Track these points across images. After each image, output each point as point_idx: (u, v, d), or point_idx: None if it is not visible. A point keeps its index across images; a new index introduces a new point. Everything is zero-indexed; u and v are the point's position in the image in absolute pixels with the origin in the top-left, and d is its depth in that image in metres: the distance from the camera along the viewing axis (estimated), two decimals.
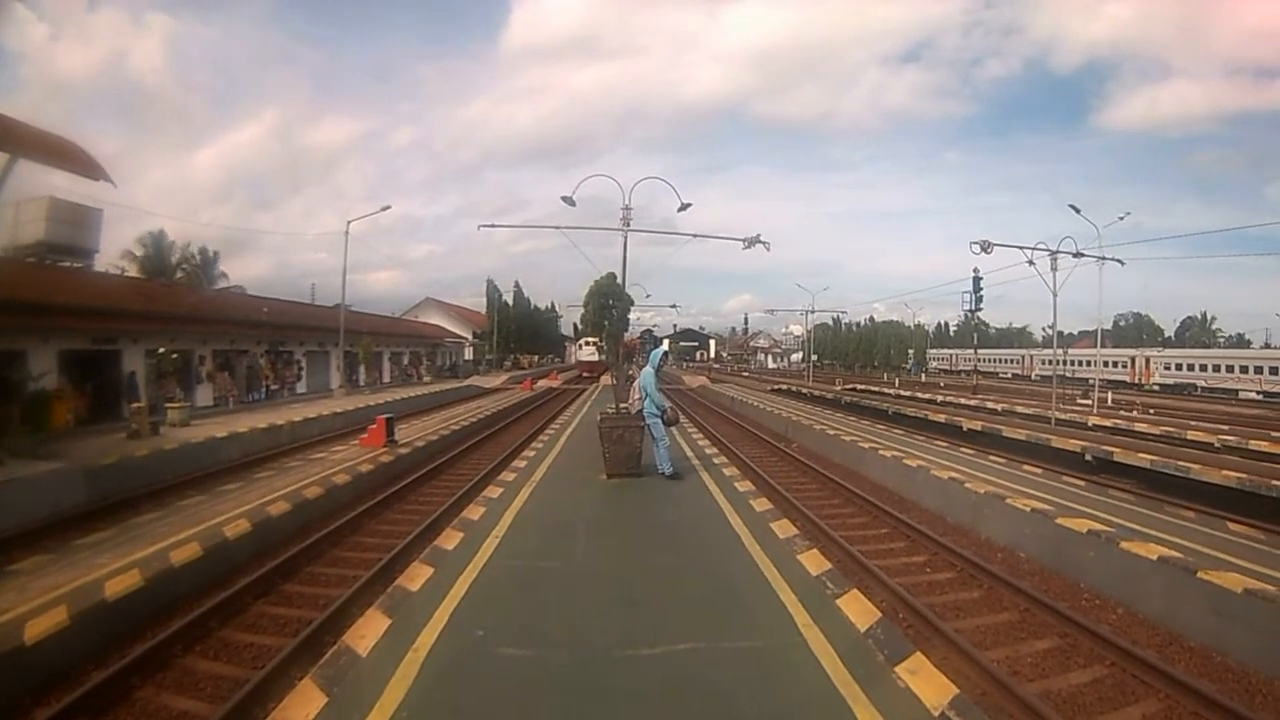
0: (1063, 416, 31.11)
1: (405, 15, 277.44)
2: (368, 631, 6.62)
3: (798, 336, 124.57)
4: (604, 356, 58.66)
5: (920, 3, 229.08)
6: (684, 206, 22.42)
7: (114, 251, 46.06)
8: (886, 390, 55.97)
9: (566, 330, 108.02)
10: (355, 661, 6.02)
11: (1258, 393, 53.00)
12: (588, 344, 71.26)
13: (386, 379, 53.40)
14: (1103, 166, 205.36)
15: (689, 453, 18.12)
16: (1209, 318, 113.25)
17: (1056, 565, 11.33)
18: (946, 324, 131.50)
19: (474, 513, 11.50)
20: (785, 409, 34.67)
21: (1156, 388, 61.35)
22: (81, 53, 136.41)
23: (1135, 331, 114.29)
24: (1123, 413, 36.13)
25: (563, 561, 9.05)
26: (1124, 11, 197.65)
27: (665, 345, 23.43)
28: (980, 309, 47.67)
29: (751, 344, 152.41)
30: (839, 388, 56.70)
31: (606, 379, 59.47)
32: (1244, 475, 16.28)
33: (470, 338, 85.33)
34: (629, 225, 20.01)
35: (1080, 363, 67.75)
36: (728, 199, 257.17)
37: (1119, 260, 32.29)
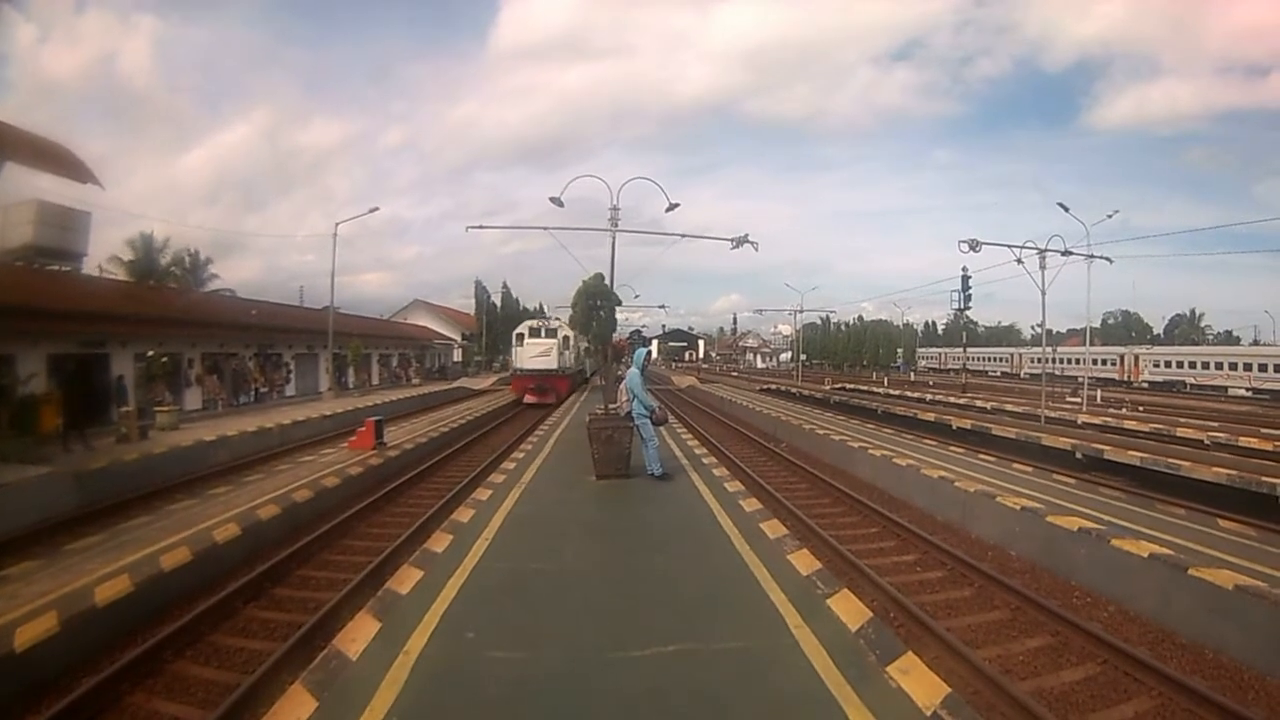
0: (1052, 414, 31.19)
1: (394, 16, 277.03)
2: (358, 635, 6.60)
3: (786, 336, 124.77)
4: (569, 357, 44.41)
5: (911, 1, 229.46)
6: (672, 207, 22.46)
7: (102, 254, 45.78)
8: (875, 389, 55.98)
9: None
10: (345, 665, 6.00)
11: (1246, 390, 53.23)
12: (538, 336, 43.21)
13: (375, 381, 53.35)
14: (1092, 165, 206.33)
15: (678, 453, 18.11)
16: (1198, 315, 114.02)
17: (1047, 563, 11.36)
18: (934, 323, 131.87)
19: (463, 515, 11.48)
20: (774, 409, 34.71)
21: (1146, 385, 61.56)
22: (69, 54, 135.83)
23: (1124, 329, 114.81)
24: (1112, 410, 36.24)
25: (553, 563, 9.04)
26: (1115, 10, 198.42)
27: (654, 346, 23.48)
28: (969, 308, 47.77)
29: (740, 344, 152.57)
30: (828, 387, 56.66)
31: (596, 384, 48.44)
32: (1234, 472, 16.35)
33: (459, 339, 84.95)
34: (617, 226, 20.02)
35: (1069, 361, 67.93)
36: (717, 199, 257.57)
37: (1107, 258, 32.38)
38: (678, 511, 12.03)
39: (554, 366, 42.03)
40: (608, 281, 20.68)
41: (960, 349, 75.43)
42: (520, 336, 43.91)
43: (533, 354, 42.28)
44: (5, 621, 7.61)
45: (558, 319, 44.98)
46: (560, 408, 35.06)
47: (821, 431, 24.41)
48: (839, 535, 12.96)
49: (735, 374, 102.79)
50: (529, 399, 40.67)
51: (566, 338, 43.58)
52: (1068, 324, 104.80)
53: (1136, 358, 66.46)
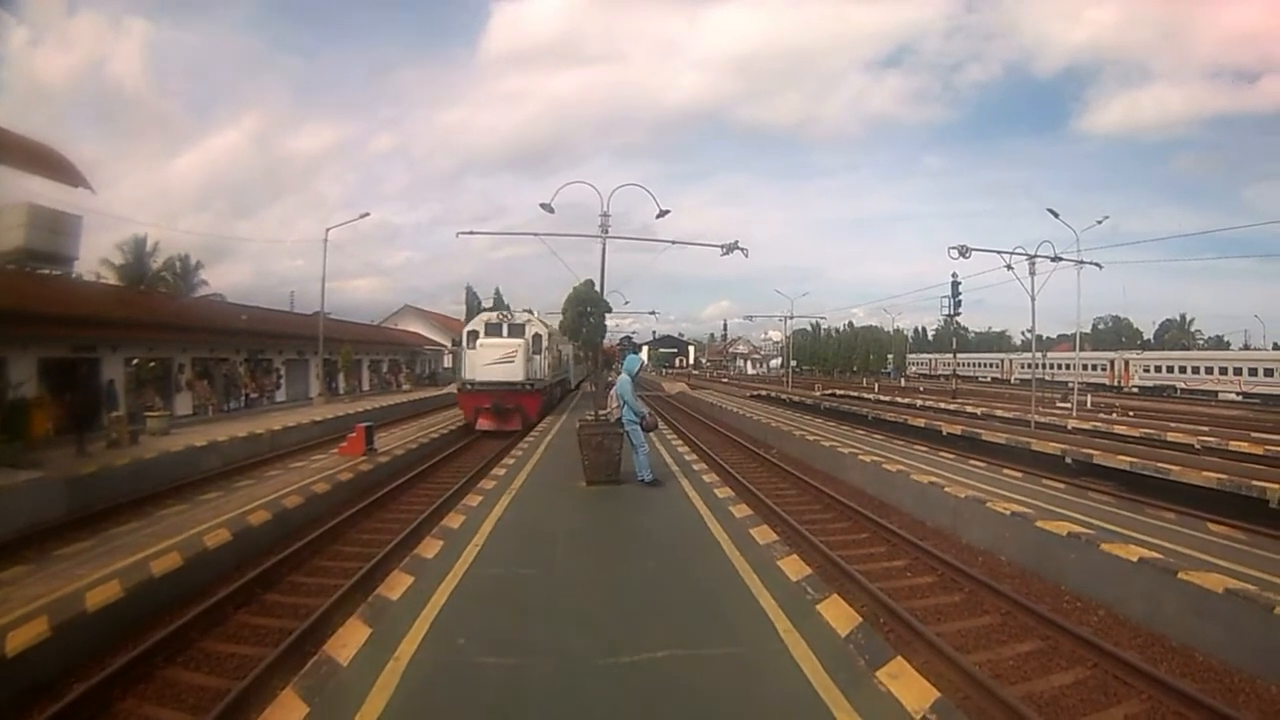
0: (1042, 420, 31.25)
1: (384, 22, 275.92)
2: (349, 641, 6.59)
3: (777, 342, 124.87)
4: (542, 364, 32.09)
5: (902, 8, 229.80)
6: (662, 213, 22.53)
7: (93, 259, 45.59)
8: (865, 395, 55.85)
9: None
10: (336, 671, 6.00)
11: (1237, 394, 53.42)
12: (496, 334, 30.75)
13: (366, 387, 53.03)
14: (1082, 171, 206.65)
15: (668, 459, 18.11)
16: (1188, 320, 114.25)
17: (1037, 568, 11.40)
18: (924, 329, 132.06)
19: (454, 521, 11.47)
20: (764, 414, 34.80)
21: (1136, 390, 61.74)
22: (61, 58, 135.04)
23: (1114, 334, 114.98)
24: (1102, 415, 36.30)
25: (543, 569, 9.04)
26: (1105, 16, 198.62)
27: (644, 353, 23.45)
28: (959, 313, 47.99)
29: (731, 350, 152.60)
30: (818, 393, 56.71)
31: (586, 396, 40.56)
32: (1224, 476, 16.41)
33: (450, 345, 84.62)
34: (608, 232, 20.04)
35: (1059, 366, 68.11)
36: (707, 205, 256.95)
37: (1097, 264, 32.56)
38: (668, 517, 12.04)
39: (518, 378, 29.39)
40: (598, 288, 20.71)
41: (950, 355, 75.60)
42: (472, 335, 31.25)
43: (489, 359, 29.56)
44: None
45: (528, 311, 35.36)
46: (545, 419, 31.10)
47: (811, 437, 24.46)
48: (829, 541, 13.00)
49: (726, 380, 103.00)
50: (482, 424, 29.09)
51: (538, 336, 32.27)
52: (1058, 329, 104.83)
53: (1126, 363, 66.65)
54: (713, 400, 46.97)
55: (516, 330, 31.00)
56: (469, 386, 30.02)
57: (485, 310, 36.88)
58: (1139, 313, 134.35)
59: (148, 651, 8.08)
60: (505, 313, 33.86)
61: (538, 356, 31.56)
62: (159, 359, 30.23)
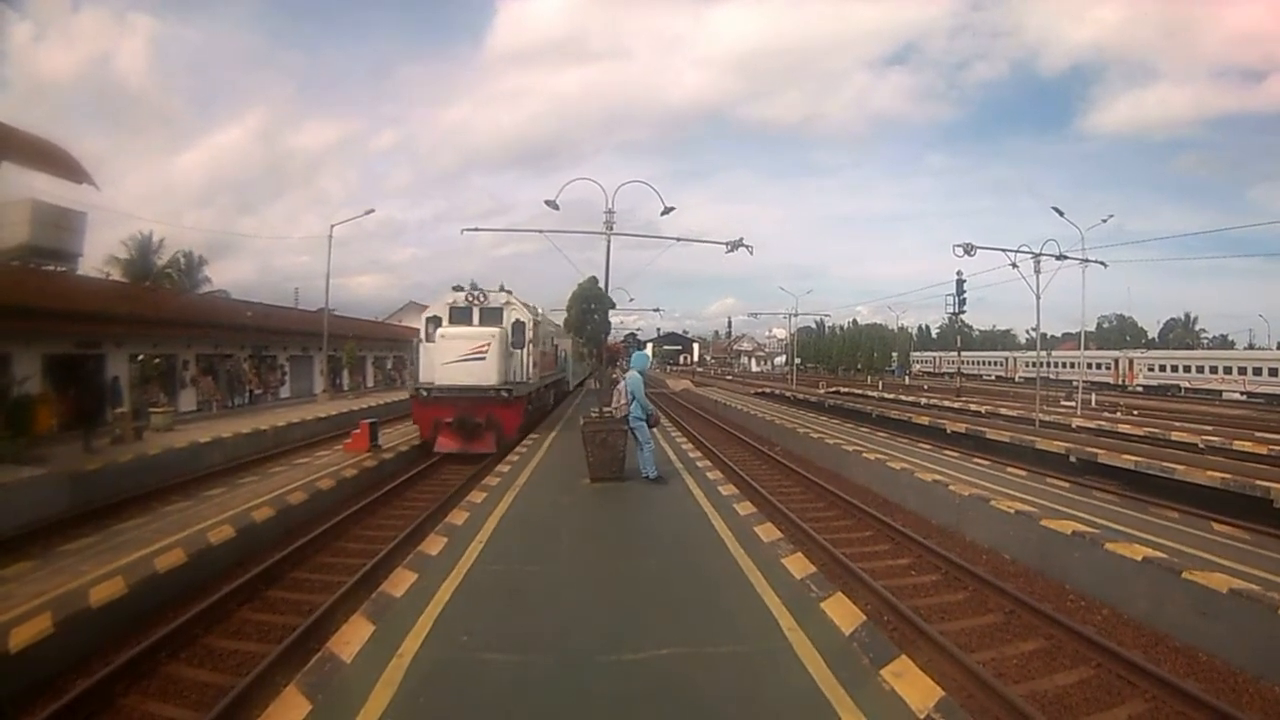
0: (1046, 418, 31.17)
1: (389, 18, 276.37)
2: (352, 637, 6.59)
3: (781, 340, 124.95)
4: (525, 361, 24.46)
5: (907, 6, 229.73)
6: (667, 210, 22.25)
7: (98, 255, 45.51)
8: (870, 393, 55.66)
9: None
10: (340, 668, 6.00)
11: (1241, 393, 53.30)
12: (464, 321, 23.42)
13: (370, 383, 53.04)
14: (1087, 170, 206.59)
15: (672, 456, 18.12)
16: (1192, 319, 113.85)
17: (1041, 567, 11.39)
18: (928, 327, 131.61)
19: (457, 517, 11.48)
20: (768, 412, 34.77)
21: (1140, 389, 61.56)
22: (65, 54, 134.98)
23: (1118, 333, 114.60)
24: (1106, 414, 36.24)
25: (547, 566, 9.05)
26: (1110, 15, 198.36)
27: (649, 349, 23.15)
28: (963, 312, 47.93)
29: (735, 347, 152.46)
30: (822, 391, 56.62)
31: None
32: (1228, 476, 16.35)
33: None
34: (612, 229, 19.94)
35: (1064, 364, 67.95)
36: (711, 203, 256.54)
37: (1102, 263, 32.33)
38: (672, 514, 12.06)
39: (491, 382, 21.81)
40: (602, 284, 20.56)
41: (955, 353, 75.45)
42: (433, 323, 23.95)
43: (452, 355, 21.93)
44: (0, 622, 7.60)
45: (508, 292, 25.61)
46: (551, 414, 29.67)
47: (815, 435, 24.47)
48: (833, 539, 12.99)
49: (730, 377, 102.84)
50: (443, 445, 21.82)
51: (520, 324, 24.57)
52: (1062, 328, 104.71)
53: (1131, 361, 66.43)
54: (717, 397, 46.94)
55: (491, 316, 23.91)
56: (424, 393, 22.30)
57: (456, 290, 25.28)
58: (1143, 312, 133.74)
59: (151, 647, 8.09)
60: (477, 293, 24.66)
61: (519, 351, 24.25)
62: (164, 355, 30.22)
